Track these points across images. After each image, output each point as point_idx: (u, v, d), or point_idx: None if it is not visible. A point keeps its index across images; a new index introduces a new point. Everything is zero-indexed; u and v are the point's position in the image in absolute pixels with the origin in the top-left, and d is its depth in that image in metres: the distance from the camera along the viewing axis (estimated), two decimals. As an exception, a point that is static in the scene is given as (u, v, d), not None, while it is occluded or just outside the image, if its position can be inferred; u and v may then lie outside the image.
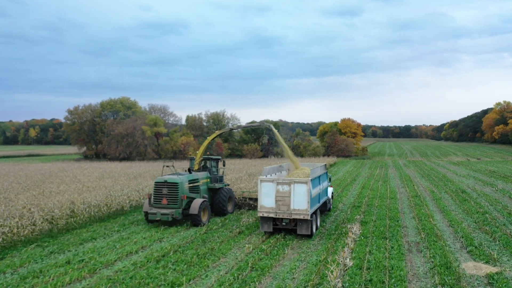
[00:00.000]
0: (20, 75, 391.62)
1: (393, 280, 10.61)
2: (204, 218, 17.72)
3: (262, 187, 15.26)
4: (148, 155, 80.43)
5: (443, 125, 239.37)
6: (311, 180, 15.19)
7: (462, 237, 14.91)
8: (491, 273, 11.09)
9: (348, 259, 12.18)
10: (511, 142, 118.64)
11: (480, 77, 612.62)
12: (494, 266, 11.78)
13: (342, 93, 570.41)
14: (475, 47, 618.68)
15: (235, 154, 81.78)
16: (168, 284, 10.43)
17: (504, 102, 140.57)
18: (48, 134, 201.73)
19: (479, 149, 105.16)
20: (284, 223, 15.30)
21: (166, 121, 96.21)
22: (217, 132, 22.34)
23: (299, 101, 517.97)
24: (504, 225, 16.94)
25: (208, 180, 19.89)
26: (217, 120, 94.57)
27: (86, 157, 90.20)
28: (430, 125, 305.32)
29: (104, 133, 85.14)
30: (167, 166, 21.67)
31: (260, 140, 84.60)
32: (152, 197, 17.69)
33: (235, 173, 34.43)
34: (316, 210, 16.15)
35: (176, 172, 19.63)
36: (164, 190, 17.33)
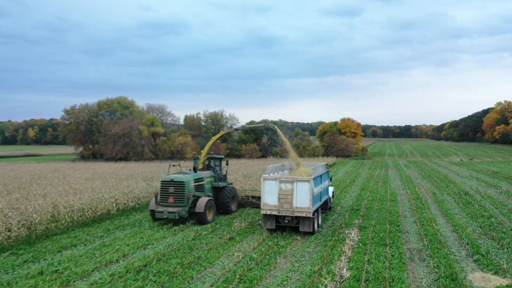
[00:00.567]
0: (20, 75, 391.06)
1: (393, 294, 9.64)
2: (210, 216, 18.01)
3: (265, 185, 15.48)
4: (145, 155, 79.44)
5: (443, 125, 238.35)
6: (313, 178, 15.38)
7: (468, 244, 13.93)
8: (501, 286, 10.11)
9: (345, 270, 11.21)
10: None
11: (480, 77, 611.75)
12: (504, 277, 10.79)
13: (342, 93, 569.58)
14: (475, 47, 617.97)
15: (234, 154, 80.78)
16: (145, 299, 9.45)
17: (505, 101, 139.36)
18: (47, 134, 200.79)
19: (480, 149, 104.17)
20: (286, 221, 15.50)
21: (164, 121, 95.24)
22: (222, 132, 22.76)
23: (299, 101, 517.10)
24: (511, 230, 15.95)
25: (212, 179, 20.16)
26: (215, 120, 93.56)
27: (83, 157, 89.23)
28: (430, 125, 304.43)
29: (101, 133, 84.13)
30: (173, 165, 22.12)
31: (259, 140, 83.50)
32: (159, 195, 17.91)
33: (230, 174, 33.41)
34: (317, 208, 16.35)
35: (182, 171, 19.84)
36: (171, 189, 17.55)
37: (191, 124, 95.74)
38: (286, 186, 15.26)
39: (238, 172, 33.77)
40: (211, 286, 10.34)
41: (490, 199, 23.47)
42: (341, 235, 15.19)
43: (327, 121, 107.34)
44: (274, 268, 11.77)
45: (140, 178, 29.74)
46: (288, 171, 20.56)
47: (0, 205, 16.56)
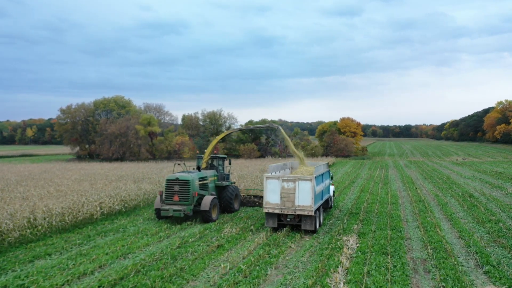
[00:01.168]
0: (20, 75, 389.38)
1: (396, 314, 8.51)
2: (214, 215, 18.19)
3: (268, 184, 15.60)
4: (142, 155, 78.32)
5: (443, 124, 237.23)
6: (315, 177, 15.48)
7: (476, 253, 12.79)
8: (517, 304, 8.98)
9: (342, 283, 10.09)
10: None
11: (480, 76, 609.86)
12: (519, 293, 9.66)
13: (342, 93, 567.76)
14: (475, 46, 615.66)
15: (232, 154, 79.60)
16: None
17: (506, 101, 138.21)
18: (45, 134, 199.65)
19: (481, 149, 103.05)
20: (288, 219, 15.64)
21: (162, 121, 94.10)
22: (226, 132, 22.99)
23: (299, 101, 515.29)
24: (522, 237, 14.82)
25: (216, 178, 20.44)
26: (213, 120, 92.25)
27: (79, 157, 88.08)
28: (430, 125, 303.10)
29: (97, 132, 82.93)
30: (179, 164, 22.14)
31: (257, 140, 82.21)
32: (164, 194, 18.07)
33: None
34: (319, 207, 16.43)
35: (187, 170, 20.00)
36: (176, 187, 17.74)
37: (189, 123, 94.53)
38: (288, 185, 15.32)
39: (233, 173, 32.62)
40: (191, 303, 9.21)
41: (496, 202, 22.33)
42: (338, 243, 14.04)
43: (326, 121, 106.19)
44: (264, 281, 10.64)
45: (131, 180, 28.59)
46: (290, 170, 20.78)
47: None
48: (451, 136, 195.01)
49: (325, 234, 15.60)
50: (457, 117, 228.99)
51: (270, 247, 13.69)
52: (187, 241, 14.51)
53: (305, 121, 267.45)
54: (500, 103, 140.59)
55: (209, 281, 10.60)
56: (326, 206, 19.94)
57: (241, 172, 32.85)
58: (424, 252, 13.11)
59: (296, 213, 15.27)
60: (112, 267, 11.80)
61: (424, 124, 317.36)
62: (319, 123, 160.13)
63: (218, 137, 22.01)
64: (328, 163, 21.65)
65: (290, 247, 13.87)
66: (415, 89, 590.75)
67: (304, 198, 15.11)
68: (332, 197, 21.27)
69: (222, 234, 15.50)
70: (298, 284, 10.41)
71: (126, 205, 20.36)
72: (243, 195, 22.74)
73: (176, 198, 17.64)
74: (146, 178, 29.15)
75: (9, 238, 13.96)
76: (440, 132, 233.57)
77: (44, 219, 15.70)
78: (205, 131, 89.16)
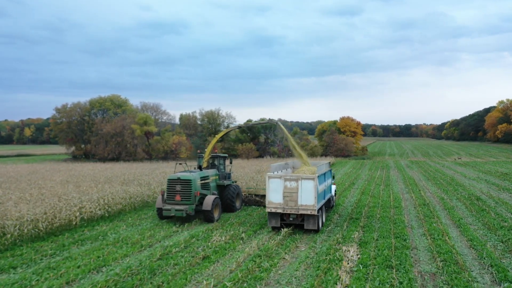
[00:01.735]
0: (20, 75, 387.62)
1: None
2: (216, 214, 18.08)
3: (270, 183, 15.51)
4: (138, 155, 76.94)
5: (443, 124, 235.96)
6: (318, 176, 15.38)
7: (491, 266, 11.42)
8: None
9: (340, 305, 8.71)
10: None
11: (481, 76, 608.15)
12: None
13: (342, 93, 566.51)
14: (475, 46, 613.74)
15: (230, 154, 78.16)
16: None
17: (508, 100, 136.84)
18: (43, 133, 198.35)
19: (482, 149, 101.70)
20: (291, 218, 15.56)
21: (159, 120, 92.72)
22: (225, 130, 22.85)
23: (299, 100, 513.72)
24: (539, 246, 13.45)
25: (217, 177, 20.37)
26: (212, 119, 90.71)
27: (75, 157, 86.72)
28: (430, 124, 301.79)
29: (92, 132, 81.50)
30: (180, 164, 22.04)
31: (256, 140, 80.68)
32: (166, 193, 17.99)
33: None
34: (322, 206, 16.29)
35: (188, 169, 19.87)
36: (178, 187, 17.62)
37: (187, 123, 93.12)
38: (291, 184, 15.23)
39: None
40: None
41: (506, 206, 20.95)
42: (337, 254, 12.66)
43: (326, 120, 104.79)
44: (251, 302, 9.28)
45: (120, 181, 27.20)
46: (291, 170, 20.68)
47: None
48: (451, 136, 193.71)
49: (322, 243, 14.23)
50: (457, 116, 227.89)
51: (261, 258, 12.31)
52: (170, 252, 13.12)
53: (304, 121, 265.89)
54: (501, 102, 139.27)
55: (188, 302, 9.24)
56: (328, 206, 19.79)
57: (236, 173, 31.45)
58: (433, 265, 11.75)
59: (299, 213, 15.16)
60: (81, 284, 10.42)
61: (424, 124, 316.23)
62: (319, 122, 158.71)
63: (218, 136, 21.71)
64: (330, 162, 21.27)
65: (284, 258, 12.50)
66: (415, 88, 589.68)
67: (307, 198, 14.98)
68: (334, 197, 21.17)
69: (209, 243, 14.11)
70: (290, 305, 9.04)
71: (110, 209, 18.98)
72: (245, 194, 22.54)
73: (178, 197, 17.56)
74: (136, 179, 27.76)
75: (-28, 249, 12.61)
76: (440, 132, 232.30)
77: (15, 226, 14.32)
78: (203, 130, 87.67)
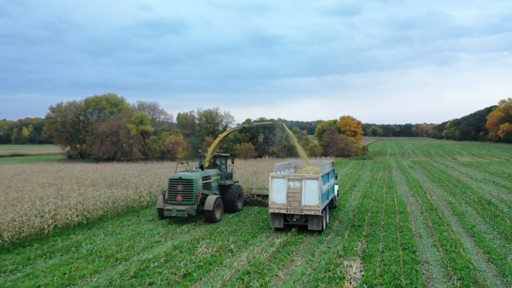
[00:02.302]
0: (21, 75, 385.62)
1: None
2: (218, 215, 17.81)
3: (273, 183, 15.24)
4: (134, 155, 75.32)
5: (444, 123, 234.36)
6: (322, 176, 15.10)
7: (517, 286, 9.82)
8: None
9: None
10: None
11: (481, 76, 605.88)
12: None
13: (342, 92, 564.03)
14: (475, 46, 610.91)
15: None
16: None
17: (509, 99, 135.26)
18: (41, 133, 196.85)
19: (485, 148, 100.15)
20: (295, 219, 15.30)
21: (156, 119, 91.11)
22: (229, 130, 22.52)
23: (300, 100, 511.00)
24: None
25: (219, 177, 20.10)
26: (210, 118, 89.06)
27: (70, 157, 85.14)
28: (431, 124, 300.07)
29: (88, 132, 79.86)
30: (182, 163, 21.71)
31: (255, 140, 78.98)
32: (167, 193, 17.74)
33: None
34: (325, 207, 16.00)
35: (190, 169, 19.62)
36: (179, 187, 17.39)
37: (185, 122, 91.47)
38: (294, 184, 14.96)
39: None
40: None
41: (520, 211, 19.35)
42: (338, 270, 11.03)
43: (326, 120, 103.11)
44: (234, 335, 7.67)
45: (107, 183, 25.59)
46: (294, 170, 20.39)
47: None
48: (452, 135, 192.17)
49: (321, 256, 12.62)
50: (458, 116, 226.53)
51: (250, 276, 10.69)
52: (147, 267, 11.50)
53: (304, 120, 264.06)
54: (503, 101, 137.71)
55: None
56: (331, 206, 19.54)
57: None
58: (449, 284, 10.15)
59: (302, 213, 14.89)
60: (36, 310, 8.82)
61: (424, 123, 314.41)
62: (319, 122, 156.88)
63: (221, 136, 21.18)
64: (333, 162, 20.88)
65: (277, 275, 10.88)
66: (415, 88, 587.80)
67: (311, 198, 14.73)
68: (337, 197, 20.91)
69: (193, 256, 12.48)
70: None
71: (89, 215, 17.36)
72: (247, 194, 22.31)
73: (179, 198, 17.32)
74: (124, 181, 26.13)
75: None
76: (441, 131, 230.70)
77: (-26, 237, 12.72)
78: (200, 130, 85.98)
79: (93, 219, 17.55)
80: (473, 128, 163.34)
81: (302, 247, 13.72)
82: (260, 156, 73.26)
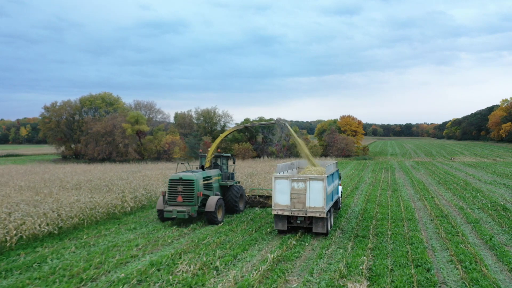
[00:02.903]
0: (21, 74, 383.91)
1: None
2: (219, 216, 17.46)
3: (277, 184, 14.83)
4: (129, 155, 73.60)
5: (445, 123, 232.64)
6: (327, 177, 14.69)
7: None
8: None
9: None
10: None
11: (480, 75, 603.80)
12: None
13: (342, 92, 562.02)
14: (475, 45, 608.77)
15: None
16: None
17: (511, 98, 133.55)
18: (39, 133, 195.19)
19: (487, 148, 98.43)
20: (299, 221, 14.93)
21: (153, 119, 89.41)
22: (231, 129, 22.21)
23: (299, 99, 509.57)
24: None
25: (220, 177, 19.73)
26: (208, 118, 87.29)
27: (65, 157, 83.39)
28: (431, 123, 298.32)
29: (82, 131, 78.07)
30: (182, 163, 21.43)
31: (253, 139, 77.15)
32: (167, 194, 17.34)
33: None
34: (330, 208, 15.55)
35: (191, 169, 19.28)
36: (179, 187, 17.01)
37: (182, 122, 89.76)
38: (298, 185, 14.59)
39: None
40: None
41: (540, 218, 17.56)
42: (341, 295, 9.27)
43: (326, 119, 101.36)
44: None
45: (91, 187, 23.80)
46: (297, 170, 20.03)
47: None
48: (453, 135, 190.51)
49: (321, 274, 10.84)
50: (458, 115, 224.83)
51: (236, 303, 8.92)
52: (115, 291, 9.73)
53: (304, 120, 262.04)
54: (505, 100, 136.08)
55: None
56: (335, 207, 18.91)
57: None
58: (475, 315, 8.38)
59: (307, 215, 14.48)
60: None
61: (425, 123, 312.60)
62: (319, 121, 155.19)
63: (222, 135, 20.66)
64: (337, 162, 20.26)
65: (268, 301, 9.12)
66: (415, 87, 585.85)
67: (316, 199, 14.32)
68: (340, 198, 20.48)
69: (171, 276, 10.68)
70: None
71: (62, 224, 15.58)
72: (248, 195, 22.05)
73: (179, 198, 16.94)
74: (109, 184, 24.32)
75: None
76: (441, 131, 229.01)
77: None
78: (198, 129, 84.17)
79: (67, 228, 15.76)
80: (475, 128, 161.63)
81: (299, 263, 11.94)
82: (258, 156, 71.48)
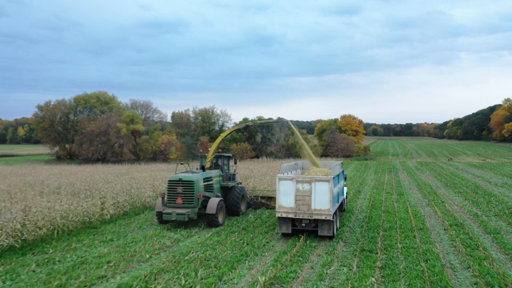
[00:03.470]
0: (20, 74, 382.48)
1: None
2: (221, 218, 16.96)
3: (281, 186, 14.38)
4: (124, 155, 71.80)
5: (445, 123, 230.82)
6: (332, 178, 14.17)
7: None
8: None
9: None
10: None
11: (480, 75, 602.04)
12: None
13: (342, 92, 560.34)
14: (475, 45, 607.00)
15: (222, 154, 72.75)
16: None
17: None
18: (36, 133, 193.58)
19: (490, 148, 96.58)
20: (303, 224, 14.43)
21: (150, 118, 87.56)
22: (232, 128, 21.78)
23: (299, 99, 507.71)
24: None
25: (221, 178, 19.19)
26: (206, 117, 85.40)
27: (59, 158, 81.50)
28: (432, 123, 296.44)
29: (77, 131, 76.19)
30: (182, 164, 20.94)
31: (252, 139, 75.18)
32: (166, 196, 16.81)
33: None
34: (336, 210, 15.02)
35: (191, 170, 18.87)
36: (179, 189, 16.45)
37: (180, 121, 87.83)
38: (303, 187, 14.16)
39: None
40: None
41: None
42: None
43: (326, 119, 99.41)
44: None
45: (72, 191, 21.91)
46: (301, 171, 19.56)
47: None
48: (454, 135, 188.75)
49: (322, 302, 8.97)
50: (458, 115, 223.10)
51: None
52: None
53: (304, 120, 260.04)
54: (507, 100, 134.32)
55: None
56: (340, 209, 18.37)
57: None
58: None
59: (312, 218, 13.99)
60: None
61: (425, 123, 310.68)
62: (319, 121, 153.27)
63: (223, 135, 20.06)
64: (342, 162, 19.45)
65: None
66: (415, 87, 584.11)
67: (322, 201, 13.87)
68: (346, 200, 20.00)
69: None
70: None
71: (27, 235, 13.69)
72: (250, 197, 21.52)
73: (179, 200, 16.41)
74: (92, 188, 22.42)
75: None
76: (442, 131, 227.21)
77: None
78: (196, 129, 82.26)
79: (32, 241, 13.86)
80: (476, 128, 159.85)
81: (296, 286, 10.06)
82: (257, 156, 69.60)
